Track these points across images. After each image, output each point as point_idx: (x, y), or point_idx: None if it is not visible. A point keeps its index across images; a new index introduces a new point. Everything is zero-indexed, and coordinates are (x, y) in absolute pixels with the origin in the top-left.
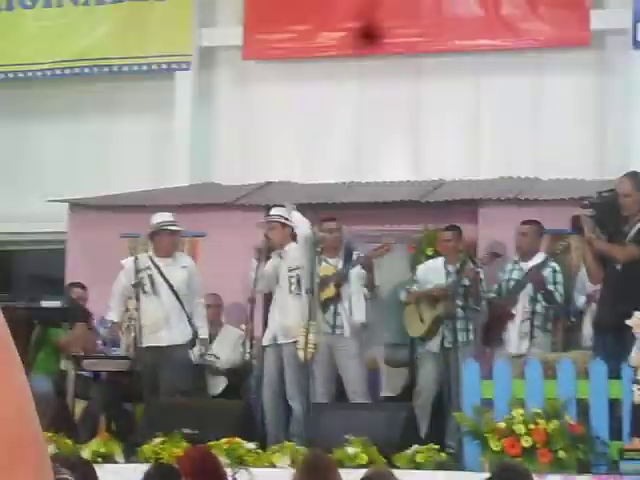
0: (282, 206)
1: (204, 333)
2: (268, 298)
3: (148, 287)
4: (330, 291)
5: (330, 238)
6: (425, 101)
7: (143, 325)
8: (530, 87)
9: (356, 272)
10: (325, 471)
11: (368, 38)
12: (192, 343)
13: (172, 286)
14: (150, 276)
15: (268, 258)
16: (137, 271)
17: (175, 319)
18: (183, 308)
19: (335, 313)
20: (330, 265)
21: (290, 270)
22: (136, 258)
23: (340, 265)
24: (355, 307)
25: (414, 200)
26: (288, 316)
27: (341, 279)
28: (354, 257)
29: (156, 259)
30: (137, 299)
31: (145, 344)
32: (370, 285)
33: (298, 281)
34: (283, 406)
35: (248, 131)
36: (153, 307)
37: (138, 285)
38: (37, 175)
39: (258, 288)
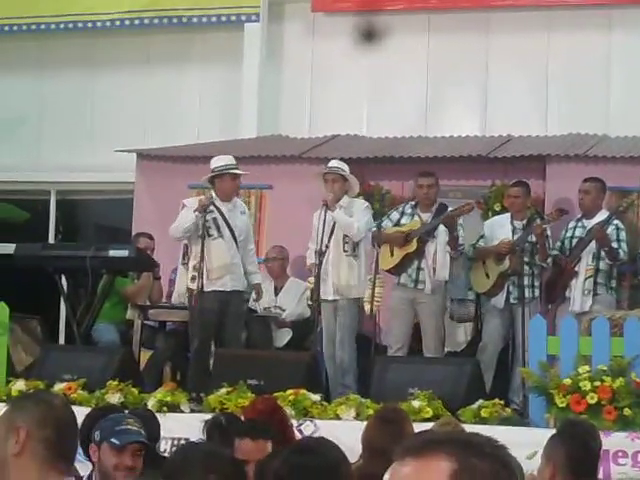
0: (342, 160)
1: (258, 279)
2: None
3: (213, 230)
4: (412, 246)
5: (426, 194)
6: (494, 56)
7: (209, 269)
8: (600, 43)
9: (443, 229)
10: (401, 423)
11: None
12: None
13: (234, 232)
14: (214, 219)
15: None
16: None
17: (236, 265)
18: (240, 254)
19: (418, 268)
20: (417, 220)
21: None
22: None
23: (429, 221)
24: (438, 264)
25: (482, 155)
26: (340, 276)
27: (425, 235)
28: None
29: (218, 203)
30: (202, 242)
31: (210, 289)
32: (452, 244)
33: (354, 242)
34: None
35: (316, 84)
36: (219, 251)
37: (203, 228)
38: (106, 125)
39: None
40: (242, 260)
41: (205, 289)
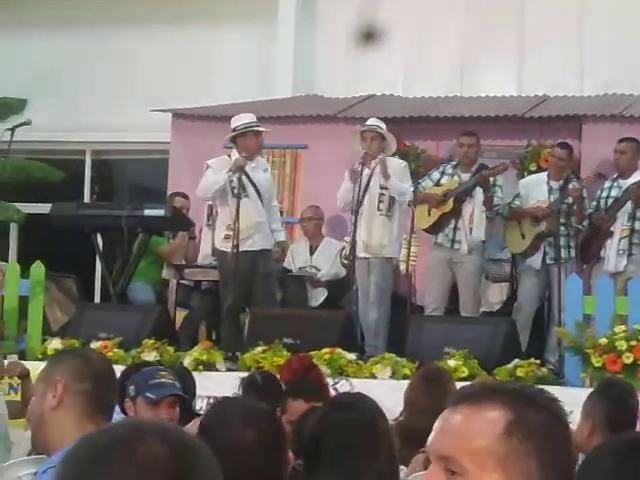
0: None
1: (282, 236)
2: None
3: (238, 190)
4: (448, 206)
5: (465, 152)
6: (530, 16)
7: (238, 229)
8: (638, 2)
9: (480, 189)
10: (444, 383)
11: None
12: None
13: (259, 190)
14: (239, 179)
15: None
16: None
17: (263, 223)
18: (266, 212)
19: (455, 228)
20: (455, 180)
21: (382, 188)
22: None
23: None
24: (475, 224)
25: (517, 115)
26: (373, 235)
27: (461, 194)
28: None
29: None
30: (237, 202)
31: (241, 249)
32: (487, 203)
33: (390, 202)
34: None
35: (352, 44)
36: (247, 210)
37: (239, 186)
38: (140, 84)
39: (340, 206)
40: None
41: (232, 249)
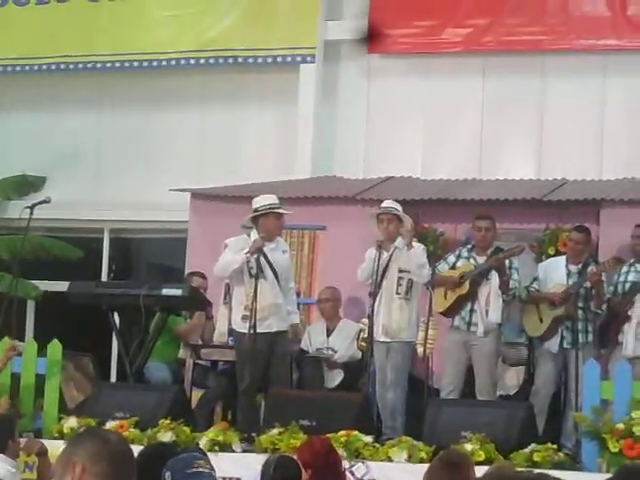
0: (396, 200)
1: (296, 319)
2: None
3: (255, 270)
4: (464, 288)
5: (483, 236)
6: (549, 100)
7: (254, 309)
8: None
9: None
10: (466, 468)
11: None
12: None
13: (276, 272)
14: (257, 260)
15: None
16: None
17: (280, 305)
18: (283, 294)
19: (471, 310)
20: (471, 262)
21: (400, 271)
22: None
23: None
24: (491, 307)
25: (536, 199)
26: (392, 318)
27: (477, 277)
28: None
29: None
30: (255, 283)
31: (258, 330)
32: (503, 287)
33: (408, 285)
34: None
35: (371, 125)
36: (263, 291)
37: (257, 267)
38: (160, 164)
39: (361, 278)
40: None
41: (249, 330)
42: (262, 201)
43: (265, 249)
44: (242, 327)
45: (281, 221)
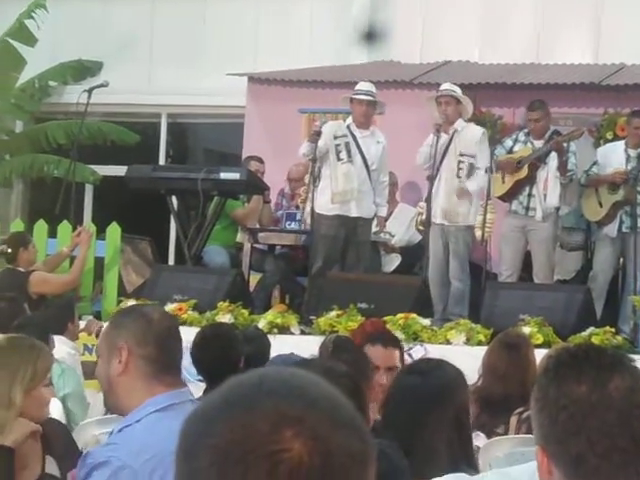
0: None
1: (383, 212)
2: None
3: (344, 154)
4: (523, 172)
5: (534, 127)
6: None
7: (334, 192)
8: None
9: (554, 155)
10: (524, 348)
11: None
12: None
13: (366, 159)
14: (347, 144)
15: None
16: (334, 137)
17: (365, 192)
18: (371, 183)
19: (529, 195)
20: (529, 147)
21: (461, 155)
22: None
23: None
24: (549, 191)
25: (594, 83)
26: (452, 201)
27: (536, 161)
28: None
29: (352, 128)
30: (329, 165)
31: (333, 212)
32: (561, 169)
33: (469, 168)
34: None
35: (428, 9)
36: (348, 175)
37: (333, 150)
38: (217, 49)
39: (420, 162)
40: (373, 190)
41: (330, 212)
42: (356, 86)
43: (357, 134)
44: (322, 209)
45: (365, 109)
